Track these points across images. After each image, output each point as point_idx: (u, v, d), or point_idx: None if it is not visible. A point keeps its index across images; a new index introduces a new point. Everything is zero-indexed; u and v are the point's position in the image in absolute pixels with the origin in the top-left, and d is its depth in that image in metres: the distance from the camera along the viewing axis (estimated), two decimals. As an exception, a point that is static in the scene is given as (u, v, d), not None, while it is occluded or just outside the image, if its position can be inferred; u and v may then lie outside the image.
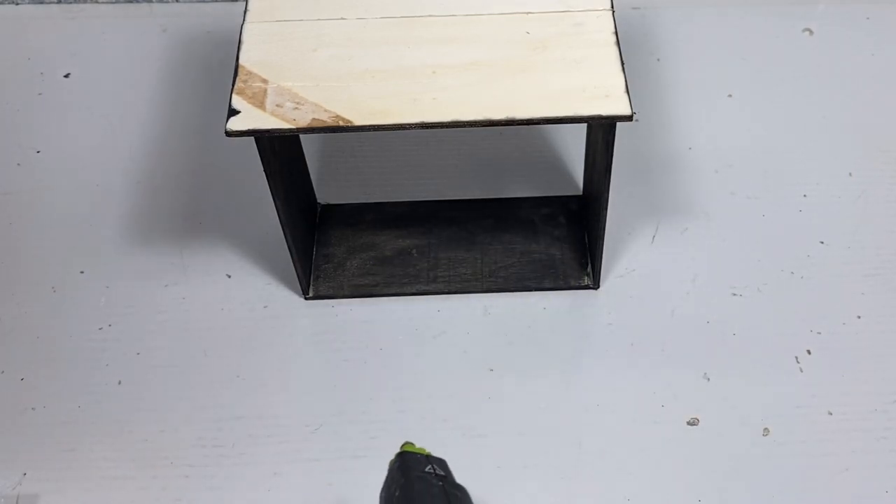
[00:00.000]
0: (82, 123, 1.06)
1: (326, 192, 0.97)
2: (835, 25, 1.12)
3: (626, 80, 0.73)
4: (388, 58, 0.76)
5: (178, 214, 0.97)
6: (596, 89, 0.73)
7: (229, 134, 0.72)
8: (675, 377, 0.84)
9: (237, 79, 0.75)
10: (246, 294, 0.91)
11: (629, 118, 0.72)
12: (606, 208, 0.83)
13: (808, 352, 0.86)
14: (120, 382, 0.86)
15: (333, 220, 0.96)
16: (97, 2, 1.17)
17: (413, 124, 0.72)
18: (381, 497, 0.64)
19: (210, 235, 0.95)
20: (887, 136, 1.01)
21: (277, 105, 0.73)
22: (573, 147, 1.01)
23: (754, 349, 0.86)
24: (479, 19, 0.78)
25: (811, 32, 1.11)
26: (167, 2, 1.17)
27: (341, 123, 0.72)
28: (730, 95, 1.06)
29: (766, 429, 0.81)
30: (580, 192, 0.97)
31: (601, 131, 0.80)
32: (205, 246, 0.95)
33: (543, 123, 0.72)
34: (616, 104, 0.72)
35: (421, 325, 0.88)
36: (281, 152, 0.81)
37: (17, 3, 1.18)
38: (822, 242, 0.93)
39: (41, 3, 1.18)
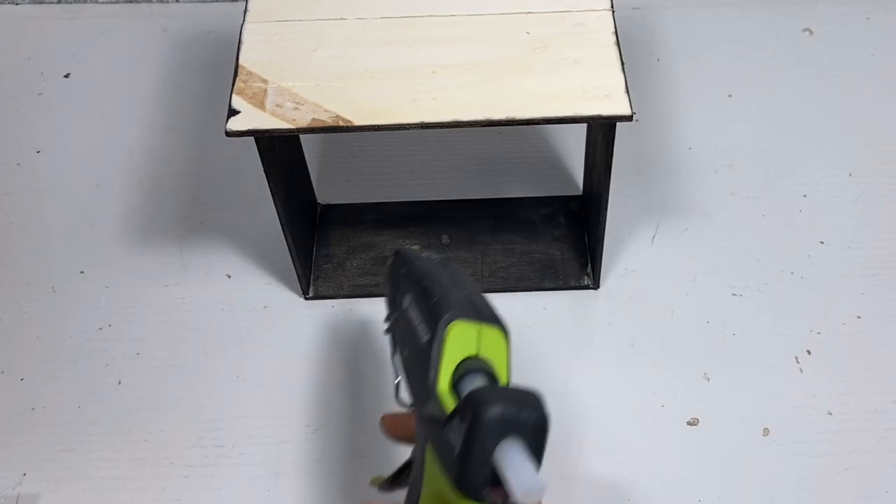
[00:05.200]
0: (82, 123, 1.06)
1: (326, 192, 0.97)
2: (835, 25, 1.12)
3: (626, 80, 0.73)
4: (387, 58, 0.76)
5: (178, 214, 0.98)
6: (596, 89, 0.73)
7: (229, 134, 0.72)
8: (675, 377, 0.84)
9: (237, 79, 0.75)
10: (246, 294, 0.91)
11: (629, 118, 0.72)
12: (606, 208, 0.83)
13: (808, 352, 0.86)
14: (120, 382, 0.86)
15: (333, 220, 0.96)
16: (97, 2, 1.18)
17: (413, 124, 0.72)
18: (389, 281, 0.66)
19: (210, 235, 0.95)
20: (887, 136, 1.01)
21: (277, 105, 0.73)
22: (573, 147, 1.01)
23: (754, 349, 0.86)
24: (479, 19, 0.78)
25: (811, 32, 1.11)
26: (167, 2, 1.17)
27: (341, 123, 0.72)
28: (730, 95, 1.06)
29: (766, 429, 0.81)
30: (580, 192, 0.97)
31: (601, 131, 0.80)
32: (205, 246, 0.95)
33: (543, 123, 0.72)
34: (616, 104, 0.72)
35: (421, 325, 0.88)
36: (281, 152, 0.81)
37: (17, 3, 1.18)
38: (822, 242, 0.93)
39: (41, 3, 1.18)
